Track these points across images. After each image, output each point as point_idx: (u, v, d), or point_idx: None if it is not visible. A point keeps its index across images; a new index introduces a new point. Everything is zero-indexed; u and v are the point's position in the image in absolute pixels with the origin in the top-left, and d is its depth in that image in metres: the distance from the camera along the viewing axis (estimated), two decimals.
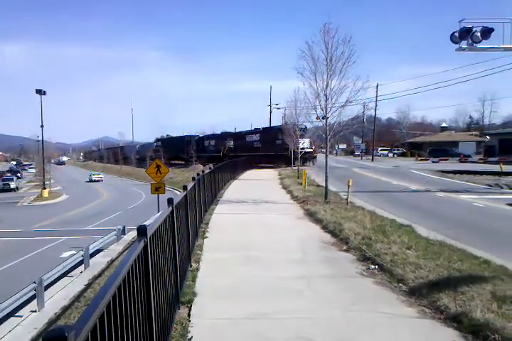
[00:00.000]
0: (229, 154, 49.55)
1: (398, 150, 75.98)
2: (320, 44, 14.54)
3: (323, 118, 15.40)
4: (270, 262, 7.88)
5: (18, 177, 68.71)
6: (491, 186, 23.67)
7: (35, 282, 10.41)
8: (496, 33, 17.01)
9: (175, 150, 64.23)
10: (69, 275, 12.93)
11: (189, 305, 5.65)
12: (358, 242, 8.91)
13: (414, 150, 65.26)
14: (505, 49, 17.98)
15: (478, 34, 16.93)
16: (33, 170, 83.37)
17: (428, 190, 21.70)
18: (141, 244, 3.24)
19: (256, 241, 9.81)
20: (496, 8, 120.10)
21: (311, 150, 40.48)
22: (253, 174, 34.70)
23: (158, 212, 16.94)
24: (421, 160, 50.13)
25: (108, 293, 2.21)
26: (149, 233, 3.50)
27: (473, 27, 17.05)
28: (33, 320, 9.63)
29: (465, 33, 17.05)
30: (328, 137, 15.45)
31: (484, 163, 42.29)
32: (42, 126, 45.32)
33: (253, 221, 12.73)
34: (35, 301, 10.42)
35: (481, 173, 30.39)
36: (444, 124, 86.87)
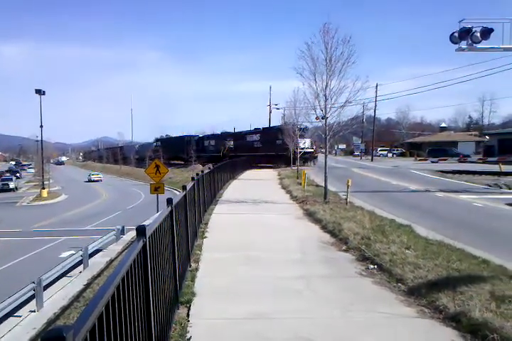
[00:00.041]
0: (229, 154, 49.46)
1: (397, 150, 76.04)
2: (319, 44, 14.56)
3: (322, 119, 15.41)
4: (269, 262, 7.88)
5: (17, 177, 68.65)
6: (490, 186, 23.70)
7: (34, 282, 10.41)
8: (496, 33, 17.05)
9: (174, 150, 64.21)
10: (68, 275, 12.93)
11: (188, 305, 5.65)
12: (357, 242, 8.91)
13: (414, 150, 65.32)
14: (505, 49, 18.00)
15: (478, 34, 16.94)
16: (32, 170, 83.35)
17: (427, 189, 21.71)
18: (140, 244, 3.24)
19: (255, 241, 9.81)
20: (496, 8, 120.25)
21: (312, 150, 40.43)
22: (252, 174, 34.70)
23: (158, 212, 16.94)
24: (420, 160, 50.20)
25: (107, 293, 2.21)
26: (148, 233, 3.50)
27: (472, 27, 17.06)
28: (32, 320, 9.63)
29: (465, 33, 17.06)
30: (328, 137, 15.45)
31: (483, 163, 42.34)
32: (41, 126, 45.39)
33: (252, 221, 12.73)
34: (34, 301, 10.42)
35: (480, 173, 30.42)
36: (443, 124, 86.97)
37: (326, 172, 16.02)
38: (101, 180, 66.47)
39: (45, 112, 45.18)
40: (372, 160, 55.13)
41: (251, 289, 6.39)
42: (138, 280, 3.06)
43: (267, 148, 43.76)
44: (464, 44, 17.39)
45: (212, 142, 58.81)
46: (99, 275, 11.70)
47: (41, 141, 48.29)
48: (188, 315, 5.36)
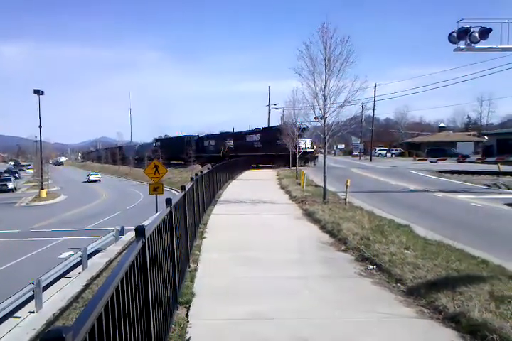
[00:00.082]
0: (229, 154, 49.33)
1: (396, 150, 76.11)
2: (318, 44, 14.56)
3: (321, 119, 15.41)
4: (268, 262, 7.88)
5: (16, 178, 68.54)
6: (489, 186, 23.72)
7: (33, 283, 10.39)
8: (494, 33, 17.07)
9: (174, 150, 64.14)
10: (67, 276, 12.91)
11: (187, 306, 5.65)
12: (356, 242, 8.91)
13: (413, 150, 65.43)
14: (504, 49, 18.03)
15: (476, 34, 16.96)
16: (31, 171, 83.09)
17: (426, 190, 21.73)
18: (139, 245, 3.24)
19: (254, 241, 9.81)
20: (496, 8, 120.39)
21: (313, 150, 40.34)
22: (252, 174, 34.71)
23: (157, 212, 16.93)
24: (419, 160, 50.25)
25: (106, 293, 2.21)
26: (147, 233, 3.50)
27: (471, 27, 17.08)
28: (31, 320, 9.61)
29: (463, 33, 17.08)
30: (327, 137, 15.45)
31: (482, 163, 42.40)
32: (40, 126, 45.28)
33: (251, 221, 12.73)
34: (33, 302, 10.40)
35: (479, 173, 30.46)
36: (442, 124, 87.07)
37: (325, 172, 16.03)
38: (99, 181, 66.42)
39: (43, 112, 45.20)
40: (371, 160, 55.17)
41: (250, 289, 6.38)
42: (137, 281, 3.05)
43: (267, 148, 43.61)
44: (462, 44, 17.41)
45: (212, 142, 58.76)
46: (98, 276, 11.68)
47: (40, 141, 48.24)
48: (187, 315, 5.35)
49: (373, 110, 55.34)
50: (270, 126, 53.25)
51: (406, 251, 7.96)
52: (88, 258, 14.00)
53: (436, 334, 4.83)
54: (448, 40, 17.56)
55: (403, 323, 5.13)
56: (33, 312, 10.14)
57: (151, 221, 5.21)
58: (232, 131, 66.79)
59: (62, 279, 12.49)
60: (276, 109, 54.87)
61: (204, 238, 10.08)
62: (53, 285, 11.92)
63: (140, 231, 3.35)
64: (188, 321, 5.15)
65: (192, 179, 10.13)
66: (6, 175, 67.08)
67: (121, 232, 18.05)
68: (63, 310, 9.46)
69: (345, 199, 15.25)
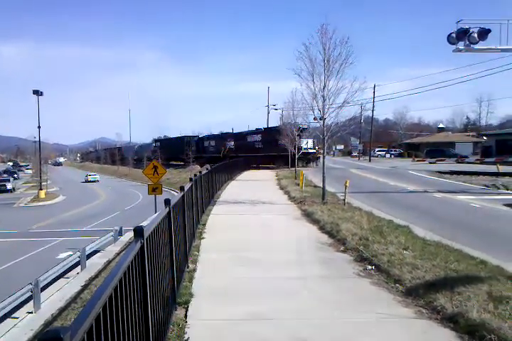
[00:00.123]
0: (229, 155, 49.13)
1: (395, 150, 76.12)
2: (317, 45, 14.57)
3: (320, 119, 15.42)
4: (267, 263, 7.88)
5: (15, 178, 68.46)
6: (487, 187, 23.74)
7: (31, 283, 10.38)
8: (493, 33, 17.09)
9: (174, 151, 64.05)
10: (65, 276, 12.90)
11: (186, 306, 5.65)
12: (355, 243, 8.92)
13: (412, 150, 65.45)
14: (503, 50, 18.05)
15: (475, 35, 16.98)
16: (30, 171, 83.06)
17: (425, 190, 21.75)
18: (138, 245, 3.23)
19: (253, 241, 9.81)
20: (496, 8, 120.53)
21: (315, 150, 40.21)
22: (251, 175, 34.69)
23: (156, 212, 16.92)
24: (418, 160, 50.24)
25: (104, 294, 2.21)
26: (146, 234, 3.50)
27: (470, 28, 17.09)
28: (30, 321, 9.61)
29: (462, 34, 17.11)
30: (326, 138, 15.46)
31: (481, 163, 42.41)
32: (39, 126, 45.21)
33: (250, 221, 12.73)
34: (31, 302, 10.39)
35: (478, 174, 30.48)
36: (441, 125, 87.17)
37: (324, 173, 16.04)
38: (98, 181, 66.34)
39: (43, 113, 45.00)
40: (370, 160, 55.18)
41: (249, 290, 6.38)
42: (135, 281, 3.05)
43: (268, 148, 43.34)
44: (461, 45, 17.43)
45: (213, 143, 58.66)
46: (96, 276, 11.68)
47: (39, 141, 48.17)
48: (185, 316, 5.35)
49: (372, 111, 55.52)
50: (271, 126, 53.17)
51: (405, 252, 7.96)
52: (87, 259, 13.99)
53: (435, 335, 4.84)
54: (447, 40, 17.58)
55: (402, 323, 5.13)
56: (32, 312, 10.13)
57: (149, 221, 5.21)
58: (231, 131, 66.78)
59: (61, 279, 12.48)
60: (276, 109, 54.94)
61: (203, 238, 10.07)
62: (52, 285, 11.91)
63: (139, 231, 3.35)
64: (186, 321, 5.15)
65: (191, 179, 10.13)
66: (5, 175, 66.99)
67: (120, 233, 18.05)
68: (61, 310, 9.46)
69: (344, 199, 15.26)
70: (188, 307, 5.63)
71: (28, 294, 10.34)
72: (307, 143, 35.88)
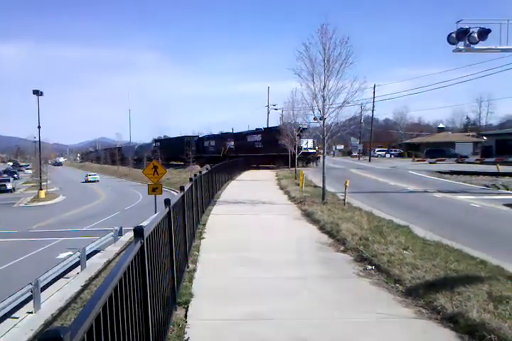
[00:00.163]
0: (229, 155, 49.02)
1: (395, 150, 76.12)
2: (317, 45, 14.57)
3: (320, 119, 15.42)
4: (267, 263, 7.88)
5: (15, 178, 68.47)
6: (487, 187, 23.74)
7: (31, 283, 10.38)
8: (493, 33, 17.09)
9: (174, 151, 64.01)
10: (65, 276, 12.90)
11: (186, 306, 5.65)
12: (355, 243, 8.92)
13: (412, 150, 65.44)
14: (503, 50, 18.04)
15: (475, 35, 16.98)
16: (30, 171, 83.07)
17: (425, 190, 21.75)
18: (138, 245, 3.23)
19: (253, 241, 9.81)
20: (496, 8, 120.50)
21: (315, 150, 40.16)
22: (251, 175, 34.70)
23: (156, 212, 16.92)
24: (418, 160, 50.25)
25: (104, 294, 2.21)
26: (146, 234, 3.50)
27: (470, 28, 17.08)
28: (29, 321, 9.61)
29: (462, 34, 17.10)
30: (326, 138, 15.46)
31: (481, 163, 42.41)
32: (39, 126, 45.22)
33: (250, 221, 12.73)
34: (31, 302, 10.39)
35: (478, 174, 30.48)
36: (441, 125, 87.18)
37: (323, 173, 16.04)
38: (98, 181, 66.33)
39: (42, 113, 44.99)
40: (370, 160, 55.17)
41: (249, 290, 6.38)
42: (135, 281, 3.05)
43: (268, 148, 43.17)
44: (461, 45, 17.42)
45: (213, 143, 58.62)
46: (96, 276, 11.68)
47: (39, 141, 48.17)
48: (185, 316, 5.35)
49: (372, 111, 55.51)
50: (271, 126, 53.10)
51: (405, 252, 7.96)
52: (87, 259, 13.99)
53: (435, 335, 4.84)
54: (447, 40, 17.57)
55: (402, 323, 5.13)
56: (32, 312, 10.13)
57: (149, 221, 5.21)
58: (231, 131, 66.73)
59: (61, 279, 12.48)
60: (276, 109, 54.93)
61: (203, 238, 10.07)
62: (52, 285, 11.91)
63: (139, 231, 3.35)
64: (186, 321, 5.15)
65: (191, 179, 10.13)
66: (5, 175, 66.98)
67: (120, 233, 18.05)
68: (61, 310, 9.46)
69: (344, 199, 15.26)
70: (188, 307, 5.63)
71: (28, 294, 10.33)
72: (307, 143, 35.79)
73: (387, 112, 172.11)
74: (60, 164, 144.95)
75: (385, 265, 7.26)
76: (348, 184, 15.16)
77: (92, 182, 65.33)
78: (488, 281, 6.10)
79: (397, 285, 6.47)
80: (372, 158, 57.68)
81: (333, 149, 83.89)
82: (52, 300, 10.70)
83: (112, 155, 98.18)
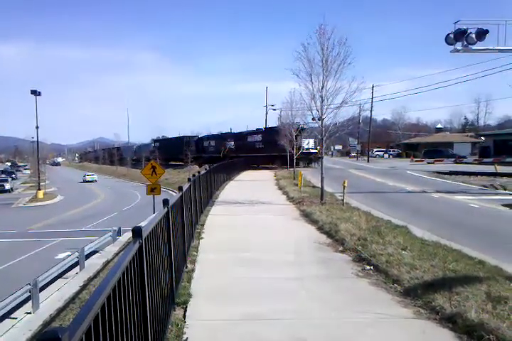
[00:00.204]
0: (229, 155, 48.90)
1: (394, 151, 76.24)
2: (316, 45, 14.57)
3: (318, 120, 15.42)
4: (266, 263, 7.88)
5: (13, 179, 68.43)
6: (486, 187, 23.79)
7: (30, 284, 10.37)
8: (491, 34, 17.11)
9: (173, 151, 63.91)
10: (64, 276, 12.89)
11: (184, 306, 5.64)
12: (353, 243, 8.92)
13: (410, 151, 65.54)
14: (500, 50, 18.08)
15: (473, 36, 17.00)
16: (28, 171, 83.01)
17: (423, 190, 21.77)
18: (136, 245, 3.23)
19: (251, 242, 9.81)
20: (496, 8, 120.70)
21: (316, 150, 40.10)
22: (249, 175, 34.71)
23: (154, 213, 16.91)
24: (416, 161, 50.33)
25: (103, 294, 2.20)
26: (144, 234, 3.49)
27: (468, 28, 17.10)
28: (28, 321, 9.60)
29: (460, 35, 17.12)
30: (324, 138, 15.46)
31: (479, 164, 42.49)
32: (37, 127, 45.21)
33: (249, 222, 12.73)
34: (30, 303, 10.38)
35: (476, 174, 30.52)
36: (439, 125, 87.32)
37: (322, 173, 16.04)
38: (96, 181, 66.28)
39: (41, 113, 45.20)
40: (368, 161, 55.24)
41: (247, 290, 6.38)
42: (134, 282, 3.05)
43: (268, 148, 42.93)
44: (459, 45, 17.43)
45: (212, 143, 58.51)
46: (95, 276, 11.67)
47: (37, 141, 48.15)
48: (184, 316, 5.35)
49: (371, 111, 55.62)
50: (271, 126, 53.01)
51: (403, 252, 7.97)
52: (85, 259, 13.98)
53: (433, 335, 4.84)
54: (445, 41, 17.60)
55: (400, 324, 5.13)
56: (30, 313, 10.12)
57: (148, 222, 5.21)
58: (230, 131, 66.67)
59: (59, 280, 12.47)
60: (274, 109, 54.86)
61: (201, 238, 10.07)
62: (50, 285, 11.90)
63: (137, 232, 3.34)
64: (185, 322, 5.15)
65: (189, 180, 10.13)
66: (3, 175, 66.86)
67: (119, 233, 18.05)
68: (60, 310, 9.45)
69: (342, 200, 15.27)
70: (186, 307, 5.63)
71: (27, 294, 10.32)
72: (308, 143, 35.66)
73: (385, 112, 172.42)
74: (58, 164, 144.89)
75: (383, 265, 7.26)
76: (346, 184, 15.17)
77: (90, 182, 65.29)
78: (486, 281, 6.11)
79: (395, 285, 6.47)
80: (370, 158, 57.74)
81: (332, 149, 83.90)
82: (51, 300, 10.70)
83: (110, 156, 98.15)
